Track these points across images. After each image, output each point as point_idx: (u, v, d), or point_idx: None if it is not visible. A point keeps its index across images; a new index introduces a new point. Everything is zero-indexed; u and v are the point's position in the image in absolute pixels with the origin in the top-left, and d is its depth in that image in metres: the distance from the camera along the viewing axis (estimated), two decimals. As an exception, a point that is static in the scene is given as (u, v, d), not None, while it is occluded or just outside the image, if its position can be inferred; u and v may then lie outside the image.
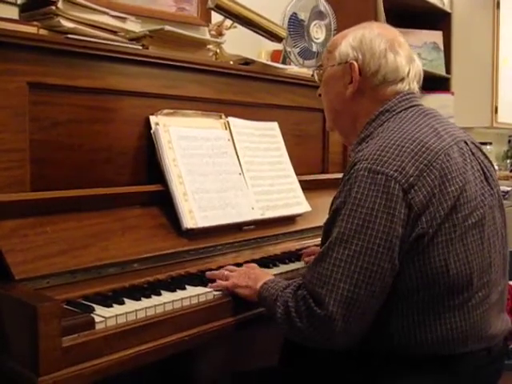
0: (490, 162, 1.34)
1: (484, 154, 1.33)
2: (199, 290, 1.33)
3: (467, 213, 1.17)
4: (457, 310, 1.16)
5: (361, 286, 1.10)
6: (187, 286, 1.34)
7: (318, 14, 2.30)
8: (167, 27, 1.68)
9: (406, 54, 1.30)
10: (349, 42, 1.31)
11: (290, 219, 1.87)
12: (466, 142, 1.27)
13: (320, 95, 1.44)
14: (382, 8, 2.85)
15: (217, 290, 1.35)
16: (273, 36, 2.11)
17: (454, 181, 1.16)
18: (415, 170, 1.13)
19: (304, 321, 1.14)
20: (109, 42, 1.50)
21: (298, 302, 1.16)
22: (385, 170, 1.12)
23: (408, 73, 1.30)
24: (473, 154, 1.27)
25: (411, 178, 1.12)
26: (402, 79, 1.29)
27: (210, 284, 1.37)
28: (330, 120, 1.43)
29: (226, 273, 1.39)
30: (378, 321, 1.16)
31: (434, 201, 1.12)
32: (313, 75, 1.48)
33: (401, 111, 1.27)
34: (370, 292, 1.11)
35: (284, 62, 2.26)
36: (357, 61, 1.29)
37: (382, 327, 1.17)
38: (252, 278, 1.35)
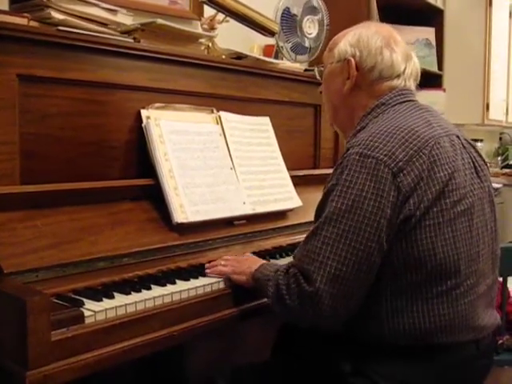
0: (483, 159, 1.36)
1: (477, 151, 1.36)
2: (189, 284, 1.33)
3: (456, 199, 1.20)
4: (444, 296, 1.18)
5: (348, 263, 1.14)
6: (177, 281, 1.34)
7: (311, 9, 2.30)
8: (159, 20, 1.67)
9: (402, 51, 1.34)
10: (347, 41, 1.36)
11: (281, 214, 1.87)
12: (458, 137, 1.30)
13: (321, 92, 1.49)
14: (375, 4, 2.85)
15: (212, 276, 1.40)
16: (265, 30, 2.11)
17: (442, 167, 1.19)
18: (405, 155, 1.16)
19: (294, 298, 1.18)
20: (100, 35, 1.49)
21: (289, 280, 1.19)
22: (375, 155, 1.16)
23: (404, 70, 1.34)
24: (464, 147, 1.30)
25: (400, 163, 1.15)
26: (398, 76, 1.33)
27: (207, 270, 1.42)
28: (330, 115, 1.47)
29: (223, 262, 1.44)
30: (366, 304, 1.19)
31: (421, 184, 1.16)
32: (307, 70, 1.49)
33: (395, 104, 1.30)
34: (356, 270, 1.14)
35: (276, 57, 2.26)
36: (354, 57, 1.33)
37: (369, 311, 1.19)
38: (247, 263, 1.40)
